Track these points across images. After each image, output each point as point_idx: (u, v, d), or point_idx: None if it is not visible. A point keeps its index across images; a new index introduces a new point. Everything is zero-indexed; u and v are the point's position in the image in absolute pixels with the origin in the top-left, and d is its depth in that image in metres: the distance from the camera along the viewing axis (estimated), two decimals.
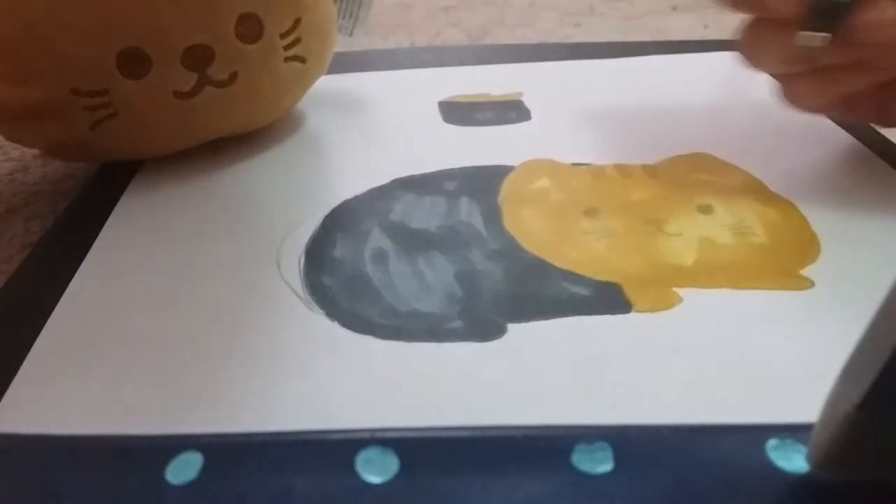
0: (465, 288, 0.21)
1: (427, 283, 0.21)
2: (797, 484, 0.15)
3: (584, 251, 0.22)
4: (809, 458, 0.15)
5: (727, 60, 0.36)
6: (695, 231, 0.23)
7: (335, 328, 0.19)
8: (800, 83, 0.23)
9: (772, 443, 0.15)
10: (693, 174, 0.26)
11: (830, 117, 0.26)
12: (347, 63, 0.36)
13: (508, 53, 0.38)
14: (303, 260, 0.22)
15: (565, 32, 0.45)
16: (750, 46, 0.23)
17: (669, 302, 0.20)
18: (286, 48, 0.27)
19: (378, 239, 0.23)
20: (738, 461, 0.15)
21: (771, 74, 0.24)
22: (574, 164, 0.27)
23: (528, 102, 0.32)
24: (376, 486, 0.15)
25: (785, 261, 0.21)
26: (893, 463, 0.14)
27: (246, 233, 0.24)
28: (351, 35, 0.33)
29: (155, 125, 0.26)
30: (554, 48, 0.41)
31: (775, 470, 0.15)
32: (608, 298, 0.20)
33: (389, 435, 0.16)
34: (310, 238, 0.23)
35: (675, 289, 0.20)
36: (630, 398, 0.17)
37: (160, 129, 0.27)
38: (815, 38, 0.20)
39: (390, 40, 0.44)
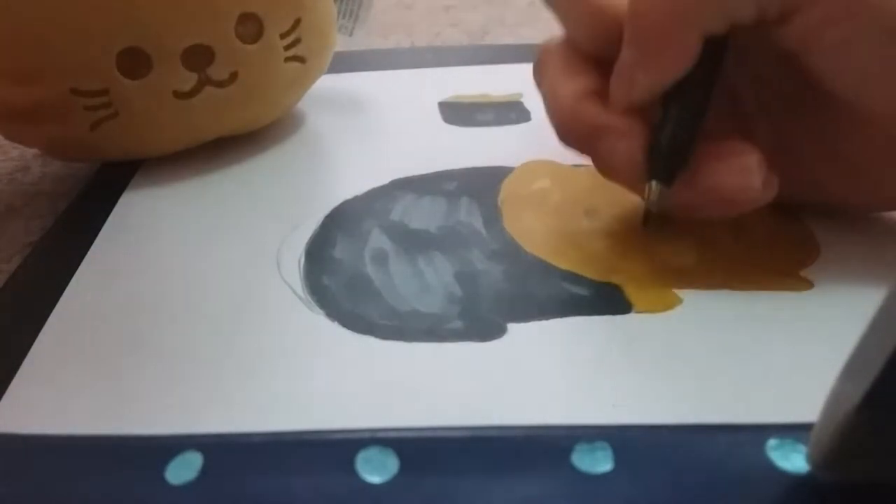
0: (465, 288, 0.21)
1: (427, 283, 0.21)
2: (797, 484, 0.15)
3: (584, 252, 0.22)
4: (809, 458, 0.15)
5: None
6: (694, 232, 0.23)
7: (335, 328, 0.19)
8: None
9: (772, 443, 0.15)
10: None
11: None
12: (347, 63, 0.36)
13: (509, 53, 0.38)
14: (303, 260, 0.22)
15: None
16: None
17: (669, 303, 0.20)
18: (286, 48, 0.27)
19: (378, 239, 0.23)
20: (737, 461, 0.15)
21: None
22: (574, 165, 0.27)
23: (529, 103, 0.32)
24: (376, 485, 0.15)
25: (784, 262, 0.21)
26: (894, 463, 0.14)
27: (246, 233, 0.24)
28: (351, 35, 0.33)
29: (155, 125, 0.26)
30: None
31: (775, 470, 0.15)
32: (608, 299, 0.20)
33: (389, 435, 0.16)
34: (310, 238, 0.23)
35: (675, 290, 0.20)
36: (630, 398, 0.17)
37: (160, 129, 0.27)
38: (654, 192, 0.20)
39: (390, 40, 0.44)
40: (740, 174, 0.19)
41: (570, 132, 0.21)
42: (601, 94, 0.20)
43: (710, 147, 0.19)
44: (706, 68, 0.19)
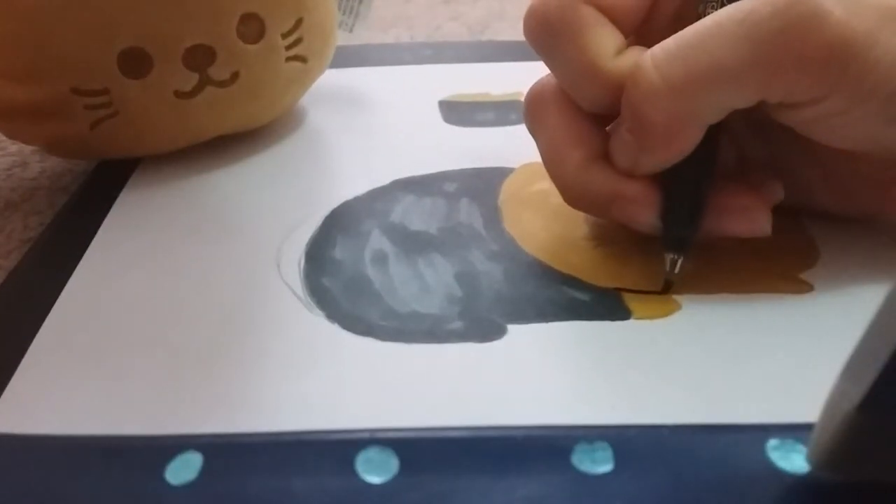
0: (465, 288, 0.21)
1: (427, 284, 0.21)
2: (797, 484, 0.15)
3: (583, 257, 0.22)
4: (810, 458, 0.15)
5: None
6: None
7: (335, 330, 0.19)
8: None
9: (772, 443, 0.16)
10: None
11: None
12: (347, 57, 0.36)
13: (509, 51, 0.38)
14: (303, 261, 0.22)
15: None
16: None
17: (668, 309, 0.20)
18: (287, 48, 0.27)
19: (378, 240, 0.23)
20: (738, 461, 0.15)
21: None
22: None
23: None
24: (376, 486, 0.15)
25: (784, 265, 0.21)
26: (894, 463, 0.14)
27: (246, 232, 0.24)
28: (351, 31, 0.33)
29: (155, 125, 0.26)
30: None
31: (775, 470, 0.15)
32: (607, 305, 0.20)
33: (390, 435, 0.16)
34: (310, 239, 0.23)
35: (674, 295, 0.20)
36: (630, 399, 0.17)
37: (160, 129, 0.27)
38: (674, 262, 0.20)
39: (390, 34, 0.44)
40: (751, 226, 0.20)
41: (580, 201, 0.21)
42: (606, 155, 0.20)
43: (720, 200, 0.20)
44: (710, 140, 0.19)
